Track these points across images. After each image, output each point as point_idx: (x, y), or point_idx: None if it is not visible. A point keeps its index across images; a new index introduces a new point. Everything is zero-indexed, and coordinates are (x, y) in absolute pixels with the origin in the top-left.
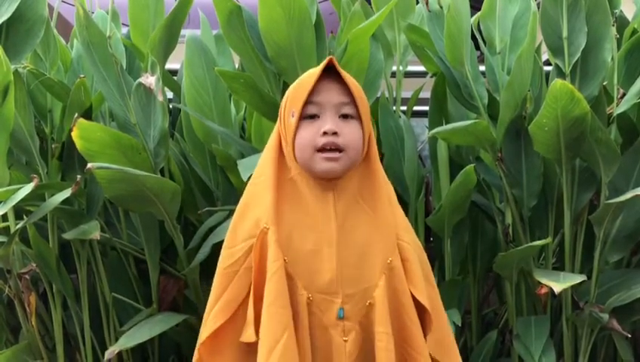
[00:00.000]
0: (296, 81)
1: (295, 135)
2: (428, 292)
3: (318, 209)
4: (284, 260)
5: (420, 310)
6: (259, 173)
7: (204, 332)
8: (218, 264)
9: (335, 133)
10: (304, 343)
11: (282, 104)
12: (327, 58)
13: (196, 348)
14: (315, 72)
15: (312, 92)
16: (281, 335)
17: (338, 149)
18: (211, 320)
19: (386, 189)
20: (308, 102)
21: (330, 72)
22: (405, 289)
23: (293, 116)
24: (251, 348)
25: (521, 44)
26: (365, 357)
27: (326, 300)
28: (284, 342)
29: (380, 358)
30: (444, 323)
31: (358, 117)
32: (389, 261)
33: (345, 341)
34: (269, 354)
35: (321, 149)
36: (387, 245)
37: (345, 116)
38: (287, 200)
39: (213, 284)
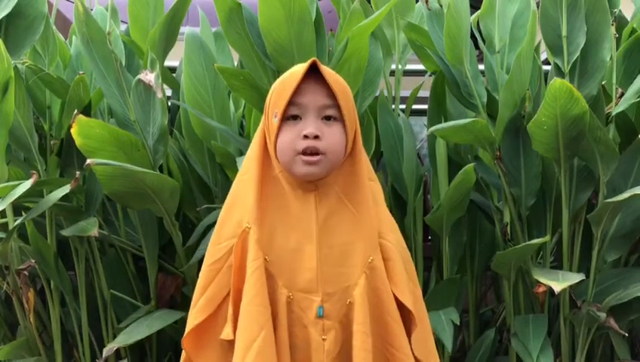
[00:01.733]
0: (281, 78)
1: (277, 136)
2: (412, 291)
3: (299, 208)
4: (265, 259)
5: (403, 310)
6: (244, 169)
7: (187, 328)
8: (204, 260)
9: (316, 137)
10: (283, 341)
11: (267, 101)
12: (311, 60)
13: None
14: (298, 72)
15: (295, 93)
16: (257, 334)
17: (318, 153)
18: (193, 316)
19: (371, 187)
20: (290, 103)
21: (314, 72)
22: (387, 289)
23: (275, 117)
24: (233, 345)
25: (520, 43)
26: (345, 356)
27: (306, 299)
28: (260, 341)
29: (357, 356)
30: (427, 323)
31: (340, 118)
32: (370, 260)
33: (324, 339)
34: (244, 352)
35: (302, 152)
36: (368, 244)
37: (327, 118)
38: (270, 198)
39: (198, 280)
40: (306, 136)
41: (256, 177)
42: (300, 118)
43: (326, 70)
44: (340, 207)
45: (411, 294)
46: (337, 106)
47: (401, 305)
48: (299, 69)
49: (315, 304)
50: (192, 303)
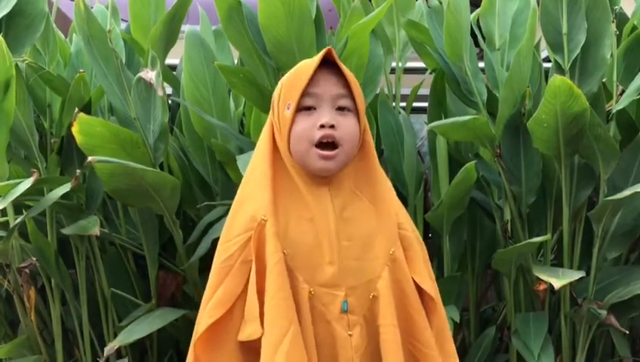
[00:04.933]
0: (291, 71)
1: (291, 128)
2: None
3: (314, 201)
4: (284, 253)
5: (422, 298)
6: (253, 167)
7: (200, 328)
8: (214, 260)
9: (332, 127)
10: (308, 338)
11: (276, 95)
12: (326, 48)
13: (191, 344)
14: (312, 62)
15: (309, 83)
16: (287, 329)
17: (334, 143)
18: (206, 316)
19: (384, 180)
20: (305, 93)
21: (326, 63)
22: (409, 280)
23: (288, 108)
24: (251, 344)
25: (520, 41)
26: (372, 352)
27: (328, 294)
28: (291, 335)
29: (388, 350)
30: (444, 318)
31: (354, 109)
32: (391, 252)
33: (350, 335)
34: (275, 348)
35: (318, 143)
36: (389, 236)
37: (341, 108)
38: (283, 193)
39: (209, 280)
40: (322, 126)
41: (268, 172)
42: (315, 109)
43: (340, 61)
44: (355, 200)
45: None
46: (351, 97)
47: (420, 293)
48: (311, 60)
49: (339, 299)
50: (203, 303)
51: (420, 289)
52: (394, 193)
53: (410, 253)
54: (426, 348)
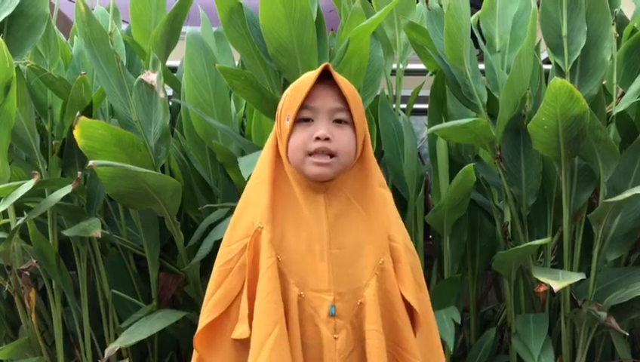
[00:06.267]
0: (294, 84)
1: (289, 138)
2: (418, 295)
3: (309, 209)
4: (277, 259)
5: (410, 311)
6: (257, 172)
7: (198, 327)
8: (216, 261)
9: (327, 139)
10: (295, 339)
11: (279, 106)
12: (323, 64)
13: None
14: (310, 77)
15: (308, 97)
16: (272, 329)
17: (330, 154)
18: (205, 315)
19: (381, 192)
20: (303, 107)
21: (326, 76)
22: (396, 291)
23: (288, 120)
24: (245, 342)
25: (520, 43)
26: (359, 358)
27: (318, 297)
28: (275, 336)
29: (372, 354)
30: (433, 328)
31: (351, 122)
32: (380, 262)
33: (335, 338)
34: (260, 347)
35: (313, 153)
36: (379, 246)
37: (339, 121)
38: (282, 199)
39: (210, 281)
40: (317, 138)
41: (268, 179)
42: (312, 121)
43: (338, 75)
44: (349, 209)
45: (419, 297)
46: (348, 110)
47: (408, 308)
48: (311, 74)
49: (327, 303)
50: (204, 303)
51: (407, 302)
52: (391, 203)
53: (399, 265)
54: (410, 355)
